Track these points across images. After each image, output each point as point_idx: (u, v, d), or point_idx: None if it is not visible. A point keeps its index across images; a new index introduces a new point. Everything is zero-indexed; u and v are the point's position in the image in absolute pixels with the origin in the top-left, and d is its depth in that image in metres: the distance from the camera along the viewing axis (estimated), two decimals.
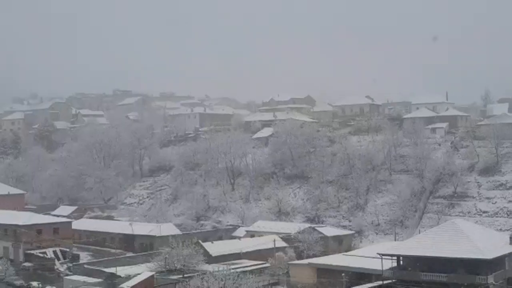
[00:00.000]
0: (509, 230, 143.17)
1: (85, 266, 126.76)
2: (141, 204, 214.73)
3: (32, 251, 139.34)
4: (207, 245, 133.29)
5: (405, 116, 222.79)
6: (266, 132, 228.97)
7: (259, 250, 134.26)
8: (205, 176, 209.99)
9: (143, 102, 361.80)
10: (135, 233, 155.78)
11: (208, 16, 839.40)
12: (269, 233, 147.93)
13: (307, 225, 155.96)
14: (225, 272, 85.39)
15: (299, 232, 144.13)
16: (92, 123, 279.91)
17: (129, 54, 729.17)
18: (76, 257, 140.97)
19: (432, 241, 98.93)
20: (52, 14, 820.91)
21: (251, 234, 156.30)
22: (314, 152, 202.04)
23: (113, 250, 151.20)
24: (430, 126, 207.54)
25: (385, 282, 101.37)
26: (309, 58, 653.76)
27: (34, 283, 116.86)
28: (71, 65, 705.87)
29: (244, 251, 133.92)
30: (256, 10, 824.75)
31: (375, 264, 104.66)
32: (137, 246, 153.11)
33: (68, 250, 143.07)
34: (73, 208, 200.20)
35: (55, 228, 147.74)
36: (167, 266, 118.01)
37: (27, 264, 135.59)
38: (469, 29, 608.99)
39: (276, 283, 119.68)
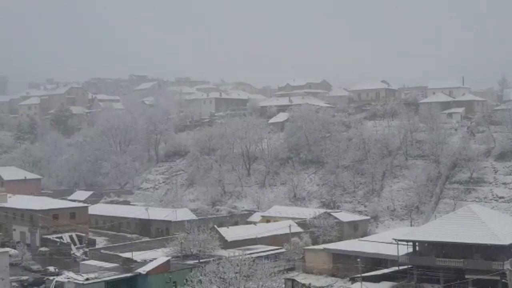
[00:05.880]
0: None
1: (101, 251, 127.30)
2: (156, 189, 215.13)
3: (48, 236, 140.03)
4: (223, 230, 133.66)
5: (421, 101, 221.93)
6: (281, 117, 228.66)
7: (275, 236, 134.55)
8: (221, 161, 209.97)
9: (159, 87, 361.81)
10: (151, 218, 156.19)
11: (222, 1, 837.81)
12: (284, 218, 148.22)
13: (322, 210, 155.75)
14: (240, 258, 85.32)
15: (314, 218, 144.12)
16: (108, 108, 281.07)
17: (145, 39, 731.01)
18: (92, 242, 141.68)
19: (448, 227, 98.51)
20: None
21: (267, 219, 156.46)
22: (330, 137, 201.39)
23: (129, 235, 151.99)
24: (446, 111, 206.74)
25: (400, 267, 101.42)
26: (325, 43, 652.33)
27: (51, 268, 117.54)
28: (87, 51, 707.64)
29: (259, 236, 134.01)
30: None
31: (390, 250, 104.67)
32: (153, 231, 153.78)
33: (84, 235, 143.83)
34: (89, 193, 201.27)
35: (71, 213, 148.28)
36: (183, 251, 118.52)
37: (43, 249, 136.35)
38: (484, 13, 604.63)
39: (292, 269, 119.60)
